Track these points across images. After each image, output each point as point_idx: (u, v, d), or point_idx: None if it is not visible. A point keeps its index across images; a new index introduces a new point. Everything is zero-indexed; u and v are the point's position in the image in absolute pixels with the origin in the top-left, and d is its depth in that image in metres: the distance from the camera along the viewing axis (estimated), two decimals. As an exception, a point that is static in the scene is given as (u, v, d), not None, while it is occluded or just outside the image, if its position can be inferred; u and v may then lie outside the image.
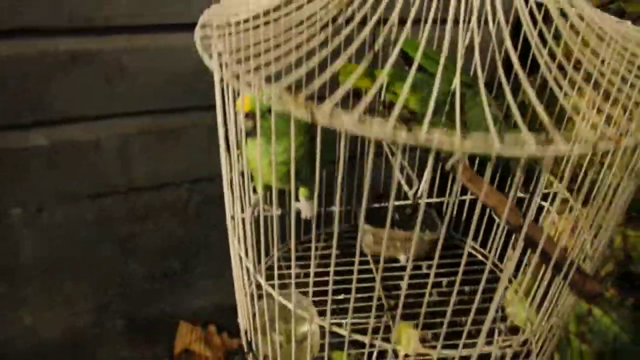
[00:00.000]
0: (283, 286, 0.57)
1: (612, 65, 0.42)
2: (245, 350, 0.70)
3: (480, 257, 0.84)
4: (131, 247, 0.80)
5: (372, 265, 0.79)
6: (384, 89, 0.66)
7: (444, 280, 0.78)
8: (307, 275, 0.50)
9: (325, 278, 0.47)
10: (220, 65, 0.44)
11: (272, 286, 0.51)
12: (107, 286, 0.82)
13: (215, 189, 0.80)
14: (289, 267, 0.56)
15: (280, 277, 0.54)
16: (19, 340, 0.79)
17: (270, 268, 0.54)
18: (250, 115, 0.51)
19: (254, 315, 0.60)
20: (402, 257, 0.84)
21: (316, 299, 0.63)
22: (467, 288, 0.73)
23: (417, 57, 0.39)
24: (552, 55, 0.39)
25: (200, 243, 0.85)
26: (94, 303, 0.82)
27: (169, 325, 0.91)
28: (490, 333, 0.70)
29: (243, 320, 0.71)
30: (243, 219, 0.60)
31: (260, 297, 0.57)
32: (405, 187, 0.61)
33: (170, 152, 0.75)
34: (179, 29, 0.68)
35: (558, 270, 0.47)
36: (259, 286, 0.55)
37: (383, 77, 0.36)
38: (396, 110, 0.31)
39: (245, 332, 0.68)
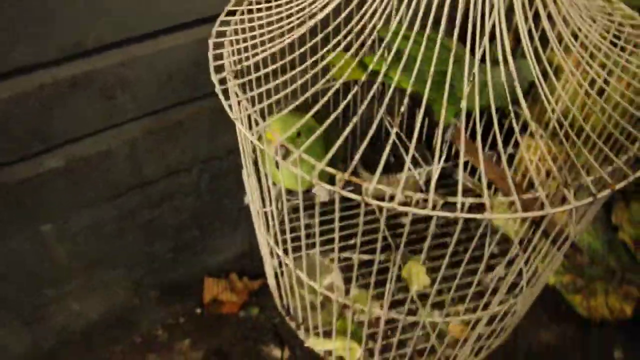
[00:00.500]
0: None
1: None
2: (284, 314, 0.80)
3: (470, 184, 0.93)
4: (153, 230, 0.86)
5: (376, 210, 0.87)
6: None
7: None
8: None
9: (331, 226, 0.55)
10: (250, 124, 0.48)
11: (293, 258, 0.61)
12: (138, 265, 0.89)
13: (222, 165, 0.85)
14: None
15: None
16: (72, 324, 0.87)
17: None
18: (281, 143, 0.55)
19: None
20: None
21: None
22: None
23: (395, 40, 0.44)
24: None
25: (214, 211, 0.91)
26: (128, 282, 0.90)
27: (196, 283, 1.00)
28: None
29: (275, 292, 0.81)
30: (265, 212, 0.67)
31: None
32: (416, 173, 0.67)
33: (177, 144, 0.78)
34: (171, 30, 0.67)
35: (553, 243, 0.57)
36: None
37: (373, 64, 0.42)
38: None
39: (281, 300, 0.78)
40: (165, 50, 0.68)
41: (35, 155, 0.67)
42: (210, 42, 0.56)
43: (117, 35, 0.63)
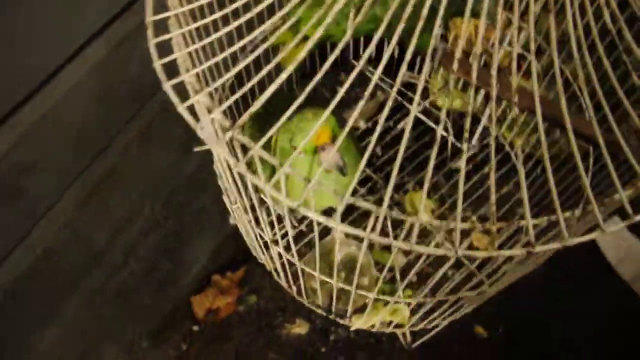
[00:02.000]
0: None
1: None
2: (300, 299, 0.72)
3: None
4: (126, 291, 0.71)
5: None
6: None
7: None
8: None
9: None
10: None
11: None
12: (123, 331, 0.75)
13: (172, 187, 0.70)
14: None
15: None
16: None
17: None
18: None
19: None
20: (361, 124, 0.84)
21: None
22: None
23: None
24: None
25: (177, 233, 0.77)
26: (121, 346, 0.76)
27: (183, 307, 0.89)
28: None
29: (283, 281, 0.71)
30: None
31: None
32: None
33: (118, 193, 0.61)
34: (57, 71, 0.47)
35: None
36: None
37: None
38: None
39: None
40: (61, 100, 0.49)
41: None
42: (152, 47, 0.38)
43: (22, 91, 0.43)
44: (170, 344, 0.89)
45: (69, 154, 0.52)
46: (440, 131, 0.33)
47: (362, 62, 0.33)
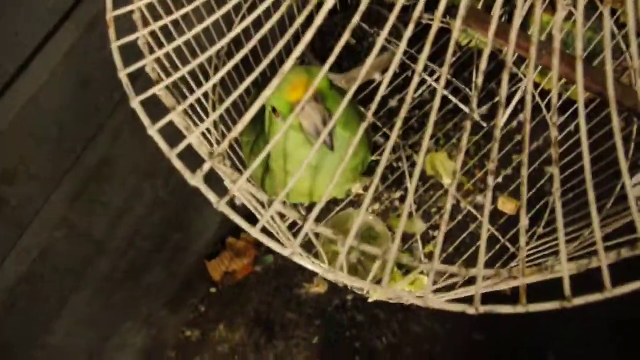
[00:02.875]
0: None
1: None
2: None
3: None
4: (137, 270, 0.69)
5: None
6: None
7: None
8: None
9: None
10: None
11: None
12: (142, 302, 0.74)
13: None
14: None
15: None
16: None
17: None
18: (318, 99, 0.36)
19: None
20: (376, 76, 0.77)
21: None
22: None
23: None
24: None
25: (184, 205, 0.74)
26: (139, 320, 0.76)
27: (199, 273, 0.87)
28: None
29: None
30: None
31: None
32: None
33: (112, 184, 0.57)
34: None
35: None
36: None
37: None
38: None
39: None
40: (35, 94, 0.44)
41: None
42: (116, 51, 0.32)
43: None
44: (188, 306, 0.89)
45: (53, 150, 0.48)
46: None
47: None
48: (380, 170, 0.25)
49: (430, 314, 0.87)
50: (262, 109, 0.43)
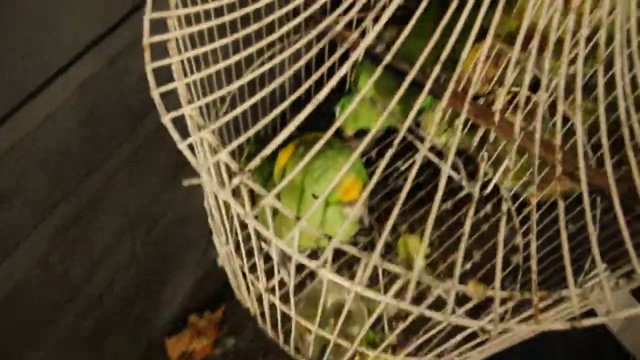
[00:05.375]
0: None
1: None
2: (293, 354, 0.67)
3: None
4: (100, 332, 0.64)
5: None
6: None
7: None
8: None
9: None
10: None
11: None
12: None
13: (151, 217, 0.65)
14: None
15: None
16: None
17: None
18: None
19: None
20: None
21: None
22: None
23: None
24: None
25: (155, 269, 0.72)
26: None
27: (157, 349, 0.82)
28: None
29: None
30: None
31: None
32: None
33: (100, 222, 0.55)
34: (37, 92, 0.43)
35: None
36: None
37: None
38: None
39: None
40: (42, 122, 0.44)
41: None
42: (150, 73, 0.34)
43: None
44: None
45: (49, 181, 0.47)
46: (447, 170, 0.29)
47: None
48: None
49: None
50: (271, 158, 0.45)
